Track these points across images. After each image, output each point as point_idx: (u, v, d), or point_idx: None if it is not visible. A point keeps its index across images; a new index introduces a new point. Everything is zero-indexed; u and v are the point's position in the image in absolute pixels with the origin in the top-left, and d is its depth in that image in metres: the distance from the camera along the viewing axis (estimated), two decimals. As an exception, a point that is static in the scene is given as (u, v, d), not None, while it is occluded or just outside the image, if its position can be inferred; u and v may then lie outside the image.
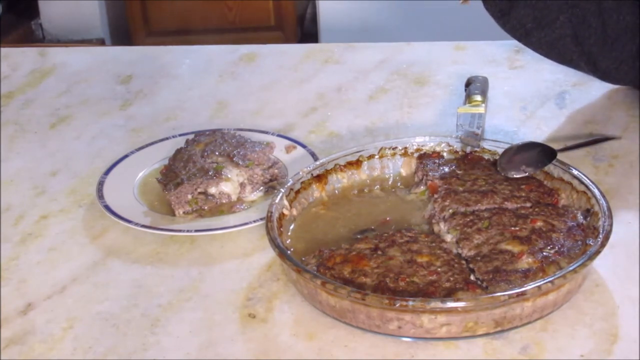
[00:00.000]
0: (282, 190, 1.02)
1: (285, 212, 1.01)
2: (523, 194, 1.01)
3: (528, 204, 1.00)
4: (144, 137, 1.30)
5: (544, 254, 0.91)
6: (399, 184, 1.11)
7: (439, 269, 0.90)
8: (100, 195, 1.11)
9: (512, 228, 0.95)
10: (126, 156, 1.21)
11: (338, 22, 3.14)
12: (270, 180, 1.14)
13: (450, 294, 0.86)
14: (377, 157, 1.11)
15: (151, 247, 1.04)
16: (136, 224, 1.05)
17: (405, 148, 1.12)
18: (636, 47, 1.21)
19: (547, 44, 1.25)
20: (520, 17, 1.23)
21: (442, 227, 0.98)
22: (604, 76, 1.29)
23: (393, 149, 1.12)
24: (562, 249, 0.92)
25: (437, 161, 1.09)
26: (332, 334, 0.88)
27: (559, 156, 1.05)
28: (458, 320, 0.84)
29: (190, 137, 1.20)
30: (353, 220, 1.03)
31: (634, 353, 0.84)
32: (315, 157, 1.17)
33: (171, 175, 1.12)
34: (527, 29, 1.24)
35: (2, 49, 1.64)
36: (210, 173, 1.10)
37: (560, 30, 1.21)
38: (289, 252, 0.93)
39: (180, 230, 1.04)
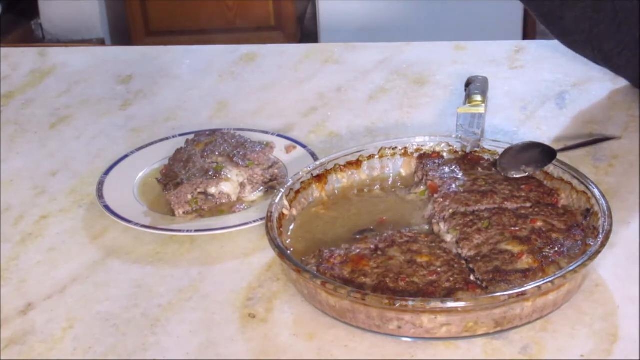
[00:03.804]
0: (282, 190, 1.02)
1: (285, 212, 1.01)
2: (523, 194, 1.01)
3: (528, 204, 1.00)
4: (144, 137, 1.30)
5: (544, 254, 0.91)
6: (399, 184, 1.11)
7: (439, 269, 0.90)
8: (100, 195, 1.11)
9: (512, 228, 0.95)
10: (126, 156, 1.21)
11: (338, 22, 3.15)
12: (270, 180, 1.14)
13: (450, 294, 0.86)
14: (377, 157, 1.11)
15: (151, 247, 1.04)
16: (136, 224, 1.05)
17: (405, 148, 1.12)
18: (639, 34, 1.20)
19: (561, 18, 1.24)
20: None
21: (442, 227, 0.98)
22: (605, 60, 1.28)
23: (393, 149, 1.12)
24: (562, 249, 0.92)
25: (437, 161, 1.09)
26: (332, 334, 0.88)
27: (559, 156, 1.05)
28: (458, 320, 0.84)
29: (190, 137, 1.20)
30: (353, 220, 1.03)
31: (634, 353, 0.84)
32: (315, 157, 1.17)
33: (171, 175, 1.12)
34: None
35: (2, 49, 1.64)
36: (210, 173, 1.10)
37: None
38: (289, 252, 0.93)
39: (180, 230, 1.04)
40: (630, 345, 0.85)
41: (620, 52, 1.24)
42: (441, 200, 1.01)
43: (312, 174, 1.07)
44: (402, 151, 1.12)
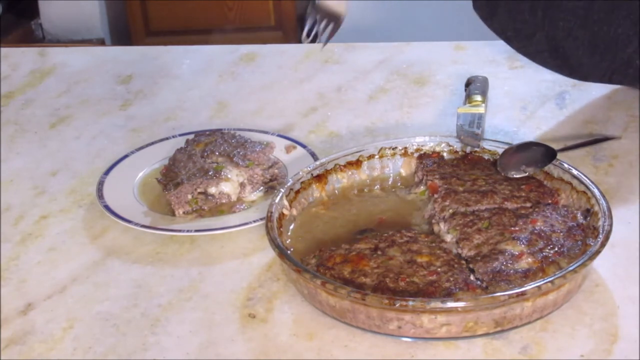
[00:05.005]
0: (282, 190, 1.02)
1: (285, 212, 1.01)
2: (523, 194, 1.01)
3: (528, 204, 1.00)
4: (144, 137, 1.30)
5: (544, 254, 0.91)
6: (399, 184, 1.11)
7: (439, 269, 0.90)
8: (100, 195, 1.11)
9: (512, 228, 0.95)
10: (126, 156, 1.21)
11: (338, 22, 3.14)
12: (270, 180, 1.14)
13: (450, 294, 0.86)
14: (377, 157, 1.11)
15: (151, 247, 1.04)
16: (136, 224, 1.05)
17: (405, 148, 1.12)
18: (630, 52, 1.21)
19: (528, 54, 1.28)
20: (502, 24, 1.26)
21: (442, 227, 0.98)
22: (595, 81, 1.30)
23: (393, 149, 1.12)
24: (562, 249, 0.92)
25: (437, 161, 1.09)
26: (332, 334, 0.88)
27: (559, 156, 1.05)
28: (458, 320, 0.84)
29: (190, 137, 1.20)
30: (353, 220, 1.03)
31: (634, 353, 0.84)
32: (315, 157, 1.17)
33: (171, 175, 1.12)
34: (507, 36, 1.27)
35: (2, 49, 1.64)
36: (210, 173, 1.10)
37: (537, 45, 1.25)
38: (289, 252, 0.93)
39: (180, 230, 1.04)
40: (630, 345, 0.85)
41: (610, 76, 1.26)
42: (441, 200, 1.01)
43: (312, 174, 1.07)
44: (402, 151, 1.12)
